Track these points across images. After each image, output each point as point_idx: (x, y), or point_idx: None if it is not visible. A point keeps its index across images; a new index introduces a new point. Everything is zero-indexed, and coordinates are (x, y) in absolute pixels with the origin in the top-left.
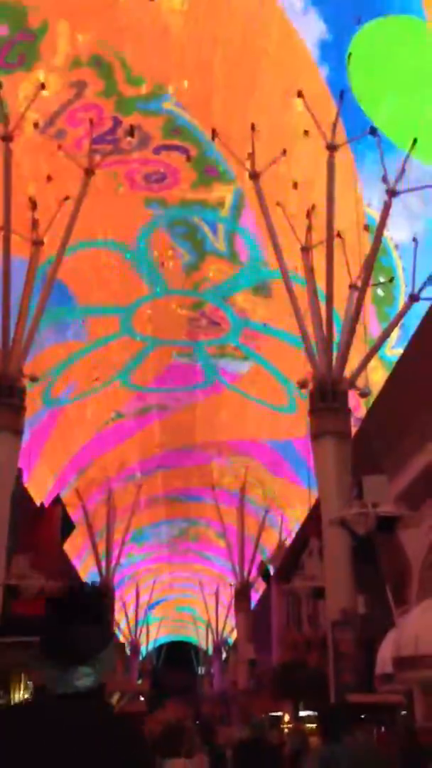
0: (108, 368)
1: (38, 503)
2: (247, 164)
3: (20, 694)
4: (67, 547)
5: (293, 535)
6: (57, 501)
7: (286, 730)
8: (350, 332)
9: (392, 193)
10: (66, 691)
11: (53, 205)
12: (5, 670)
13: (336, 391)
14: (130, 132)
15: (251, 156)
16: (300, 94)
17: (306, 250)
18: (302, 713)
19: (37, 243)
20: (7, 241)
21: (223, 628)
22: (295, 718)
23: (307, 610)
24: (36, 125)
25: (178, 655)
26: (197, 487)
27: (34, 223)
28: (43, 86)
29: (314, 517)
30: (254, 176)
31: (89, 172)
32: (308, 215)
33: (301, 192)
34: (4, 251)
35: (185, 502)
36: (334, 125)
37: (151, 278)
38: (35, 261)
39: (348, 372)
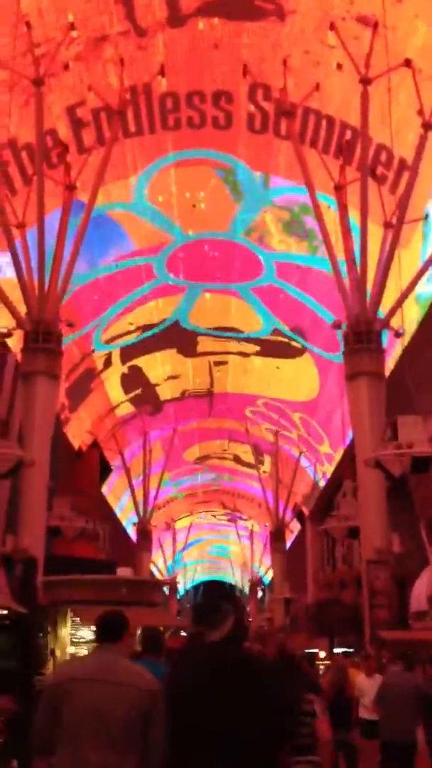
0: (150, 314)
1: (76, 447)
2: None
3: (67, 629)
4: (105, 490)
5: (327, 476)
6: (95, 445)
7: (322, 666)
8: (384, 271)
9: (428, 126)
10: (212, 639)
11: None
12: (52, 606)
13: (370, 332)
14: None
15: (283, 92)
16: (333, 27)
17: (339, 188)
18: (337, 650)
19: (70, 187)
20: (40, 185)
21: (259, 568)
22: (330, 654)
23: (342, 550)
24: (66, 67)
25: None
26: (233, 429)
27: (67, 167)
28: (72, 26)
29: (349, 458)
30: (288, 113)
31: (121, 113)
32: (342, 152)
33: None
34: (38, 196)
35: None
36: (368, 58)
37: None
38: (68, 205)
39: (382, 312)
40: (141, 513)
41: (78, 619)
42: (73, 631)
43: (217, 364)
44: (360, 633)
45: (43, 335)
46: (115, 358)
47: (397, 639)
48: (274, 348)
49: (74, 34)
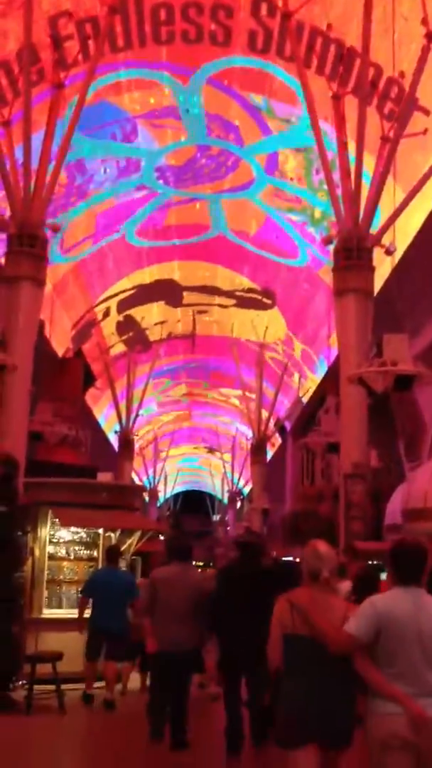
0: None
1: (60, 355)
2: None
3: (46, 530)
4: (89, 398)
5: (310, 392)
6: (78, 354)
7: None
8: (378, 186)
9: (430, 37)
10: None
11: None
12: (33, 507)
13: (361, 248)
14: None
15: None
16: None
17: (337, 98)
18: None
19: (59, 86)
20: (27, 83)
21: (239, 479)
22: None
23: (321, 465)
24: None
25: (194, 502)
26: (218, 337)
27: (55, 65)
28: None
29: (332, 374)
30: (287, 16)
31: (113, 9)
32: (341, 60)
33: (336, 35)
34: (25, 94)
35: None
36: None
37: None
38: (57, 104)
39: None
40: (123, 422)
41: (57, 520)
42: (52, 532)
43: (200, 312)
44: (335, 544)
45: (27, 239)
46: (113, 310)
47: (370, 549)
48: (248, 302)
49: None
